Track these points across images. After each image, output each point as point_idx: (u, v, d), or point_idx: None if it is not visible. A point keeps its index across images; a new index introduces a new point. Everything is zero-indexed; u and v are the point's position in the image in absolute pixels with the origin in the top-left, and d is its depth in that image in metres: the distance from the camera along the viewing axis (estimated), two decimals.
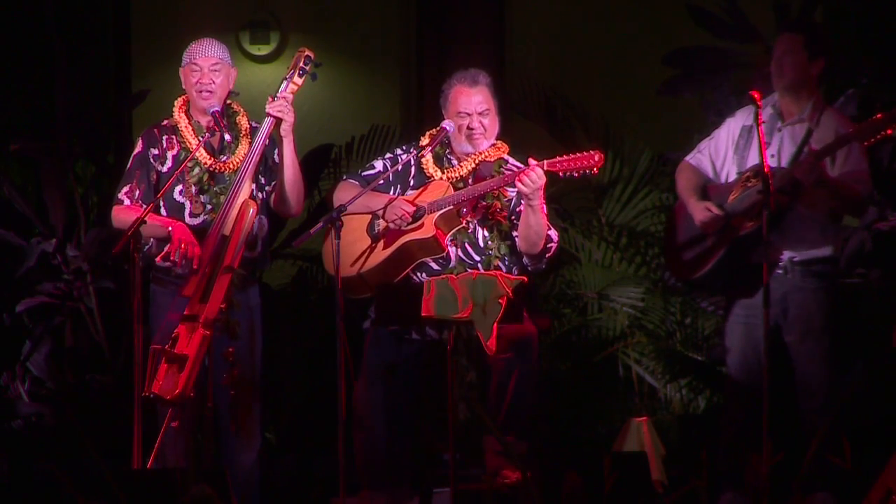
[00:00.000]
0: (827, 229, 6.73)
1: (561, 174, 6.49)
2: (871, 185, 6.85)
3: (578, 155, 6.48)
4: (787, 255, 6.70)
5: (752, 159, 6.78)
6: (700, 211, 6.82)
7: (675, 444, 7.93)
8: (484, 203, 6.65)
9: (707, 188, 6.91)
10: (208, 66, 6.62)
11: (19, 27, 8.59)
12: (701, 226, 6.81)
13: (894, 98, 7.92)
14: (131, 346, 6.36)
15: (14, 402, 8.26)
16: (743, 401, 6.78)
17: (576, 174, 6.48)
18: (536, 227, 6.51)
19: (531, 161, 6.48)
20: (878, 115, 6.51)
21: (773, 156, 6.74)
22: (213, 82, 6.63)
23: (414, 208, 6.59)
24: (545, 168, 6.45)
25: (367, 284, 6.63)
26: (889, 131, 6.46)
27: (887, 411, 7.55)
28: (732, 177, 6.85)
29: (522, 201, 6.51)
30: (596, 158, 6.47)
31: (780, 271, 6.66)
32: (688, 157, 7.03)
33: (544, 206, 6.58)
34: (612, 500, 5.64)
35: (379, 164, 6.80)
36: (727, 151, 6.90)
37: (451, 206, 6.59)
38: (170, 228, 6.50)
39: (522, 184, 6.42)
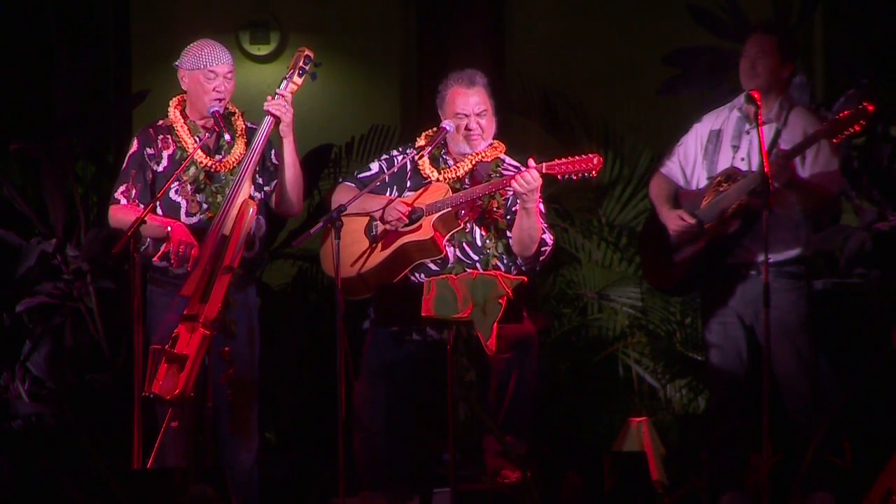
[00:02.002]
0: (800, 229, 6.73)
1: (559, 177, 6.49)
2: (843, 183, 6.84)
3: (577, 158, 6.47)
4: (759, 256, 6.69)
5: (723, 164, 6.77)
6: (672, 220, 6.81)
7: (675, 444, 7.93)
8: (480, 202, 6.65)
9: (678, 196, 6.90)
10: (224, 73, 6.64)
11: (19, 27, 8.58)
12: (674, 234, 6.80)
13: (894, 98, 7.93)
14: (131, 346, 6.36)
15: (14, 402, 8.26)
16: (726, 399, 6.78)
17: (574, 177, 6.48)
18: (530, 231, 6.51)
19: (530, 162, 6.47)
20: (846, 112, 6.50)
21: (742, 159, 6.74)
22: (227, 89, 6.65)
23: (410, 209, 6.59)
24: (543, 171, 6.44)
25: (365, 285, 6.63)
26: (857, 128, 6.46)
27: (887, 411, 7.55)
28: (703, 182, 6.84)
29: (518, 202, 6.51)
30: (594, 162, 6.45)
31: (753, 272, 6.66)
32: (659, 166, 7.03)
33: (541, 207, 6.58)
34: (612, 500, 5.65)
35: (375, 166, 6.80)
36: (696, 157, 6.89)
37: (450, 209, 6.59)
38: (169, 228, 6.51)
39: (517, 184, 6.42)
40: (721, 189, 6.69)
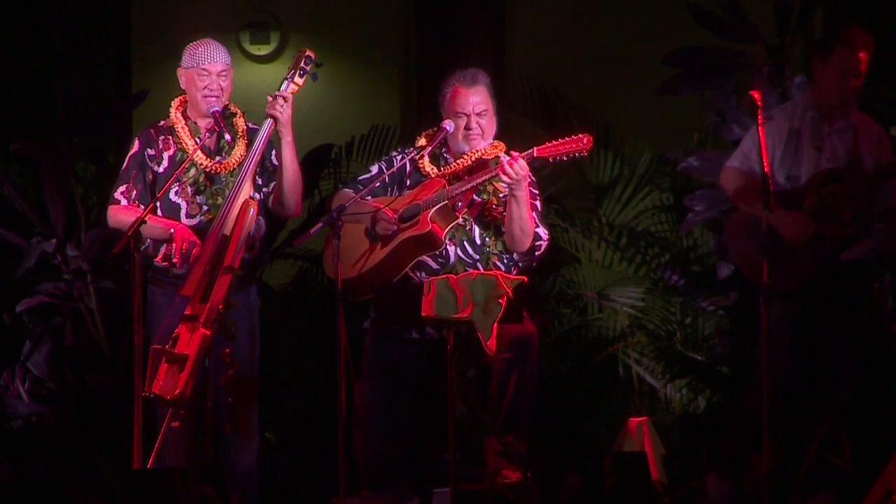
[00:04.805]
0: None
1: (551, 159, 6.51)
2: None
3: (567, 139, 6.50)
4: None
5: (806, 163, 6.77)
6: (790, 222, 6.77)
7: (675, 444, 7.94)
8: (479, 200, 6.66)
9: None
10: (217, 72, 6.64)
11: (19, 27, 8.58)
12: (792, 237, 6.77)
13: (894, 98, 7.93)
14: (131, 346, 6.36)
15: (14, 402, 8.26)
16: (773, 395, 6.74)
17: (565, 158, 6.50)
18: (520, 222, 6.50)
19: (513, 153, 6.48)
20: None
21: (828, 159, 6.77)
22: (221, 87, 6.65)
23: (395, 218, 6.58)
24: (535, 155, 6.47)
25: (367, 284, 6.63)
26: None
27: (887, 411, 7.55)
28: (780, 180, 6.83)
29: (508, 192, 6.51)
30: (584, 141, 6.48)
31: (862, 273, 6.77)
32: (732, 163, 6.97)
33: (538, 205, 6.59)
34: (612, 500, 5.65)
35: (375, 168, 6.80)
36: (774, 155, 6.87)
37: (446, 201, 6.59)
38: (171, 230, 6.51)
39: (505, 174, 6.42)
40: (825, 190, 6.67)
